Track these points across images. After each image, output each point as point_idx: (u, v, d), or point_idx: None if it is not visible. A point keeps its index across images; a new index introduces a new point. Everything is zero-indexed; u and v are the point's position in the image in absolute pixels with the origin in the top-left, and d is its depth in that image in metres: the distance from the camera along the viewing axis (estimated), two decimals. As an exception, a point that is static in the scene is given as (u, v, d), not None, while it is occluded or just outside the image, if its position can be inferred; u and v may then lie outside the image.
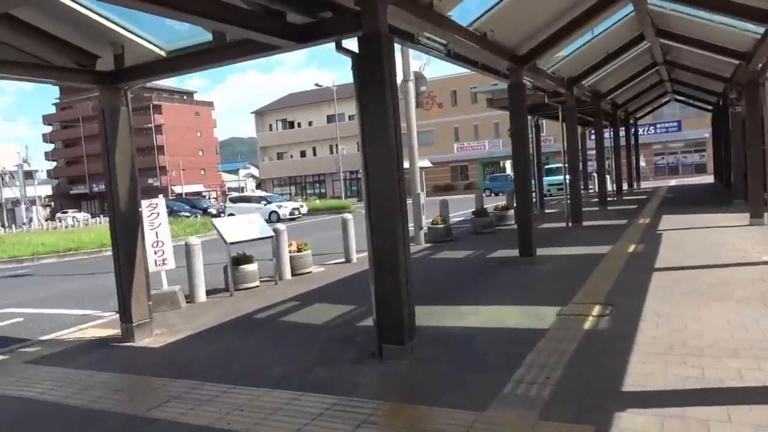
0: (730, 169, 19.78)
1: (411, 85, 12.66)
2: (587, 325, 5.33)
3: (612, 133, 21.41)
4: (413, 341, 4.95)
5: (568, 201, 13.32)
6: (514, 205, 16.18)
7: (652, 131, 46.61)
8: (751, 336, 4.58)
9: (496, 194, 41.40)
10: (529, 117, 17.32)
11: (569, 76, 12.46)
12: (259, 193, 42.62)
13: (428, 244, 12.80)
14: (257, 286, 9.23)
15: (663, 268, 7.70)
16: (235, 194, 39.30)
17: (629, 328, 5.06)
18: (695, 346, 4.45)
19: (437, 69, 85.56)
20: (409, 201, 13.84)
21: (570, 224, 13.16)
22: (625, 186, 26.30)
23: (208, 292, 9.00)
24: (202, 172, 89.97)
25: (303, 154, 72.10)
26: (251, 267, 9.20)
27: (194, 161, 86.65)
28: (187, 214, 35.62)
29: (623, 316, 5.49)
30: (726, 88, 18.05)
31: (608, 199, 20.15)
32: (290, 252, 10.01)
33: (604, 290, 6.67)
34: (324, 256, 12.65)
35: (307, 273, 10.15)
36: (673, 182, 34.73)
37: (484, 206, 15.45)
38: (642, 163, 39.14)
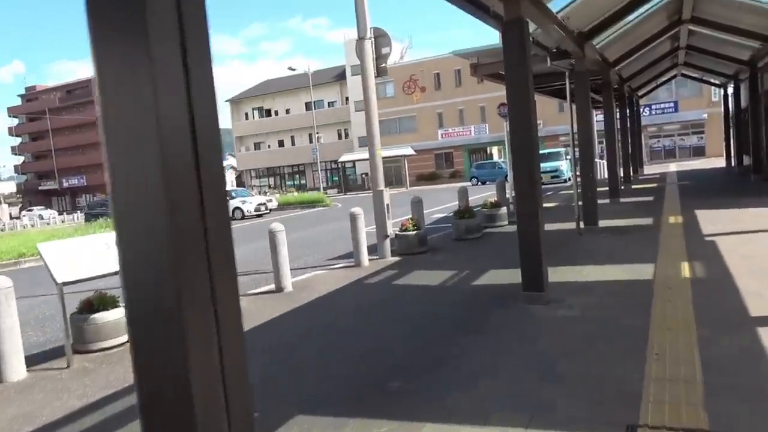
0: (759, 152, 16.79)
1: (368, 45, 9.39)
2: None
3: (618, 112, 18.27)
4: None
5: (579, 194, 10.18)
6: (510, 203, 12.94)
7: (647, 113, 43.72)
8: None
9: (483, 183, 38.34)
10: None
11: (580, 29, 9.27)
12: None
13: (395, 258, 9.61)
14: (122, 345, 5.99)
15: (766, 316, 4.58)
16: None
17: None
18: None
19: (419, 52, 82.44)
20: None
21: (582, 226, 10.04)
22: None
23: (40, 357, 5.78)
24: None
25: (281, 143, 68.98)
26: (113, 315, 5.94)
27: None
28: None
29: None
30: (756, 53, 15.01)
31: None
32: (183, 285, 6.76)
33: (693, 383, 3.53)
34: (257, 277, 9.46)
35: (212, 313, 6.93)
36: (673, 167, 31.84)
37: (470, 203, 12.30)
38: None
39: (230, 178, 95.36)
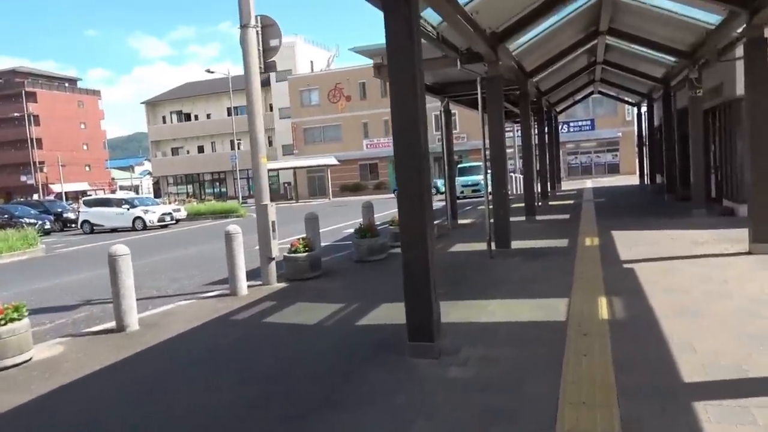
0: (672, 171, 16.71)
1: (253, 35, 7.99)
2: None
3: (536, 126, 17.76)
4: None
5: (490, 210, 9.16)
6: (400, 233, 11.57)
7: (566, 129, 44.74)
8: None
9: (407, 195, 37.43)
10: (438, 100, 13.20)
11: (493, 28, 8.30)
12: (122, 194, 36.21)
13: (281, 285, 8.20)
14: None
15: (712, 384, 3.56)
16: (92, 196, 32.58)
17: None
18: None
19: (345, 59, 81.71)
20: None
21: (493, 249, 9.02)
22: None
23: None
24: (87, 168, 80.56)
25: (201, 149, 65.92)
26: None
27: (77, 156, 77.20)
28: (32, 220, 28.60)
29: None
30: (670, 71, 14.85)
31: (535, 203, 16.45)
32: (-31, 329, 5.05)
33: None
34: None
35: (18, 365, 5.24)
36: (589, 183, 32.33)
37: (375, 220, 11.09)
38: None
39: (147, 184, 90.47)
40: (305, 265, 8.46)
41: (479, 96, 8.77)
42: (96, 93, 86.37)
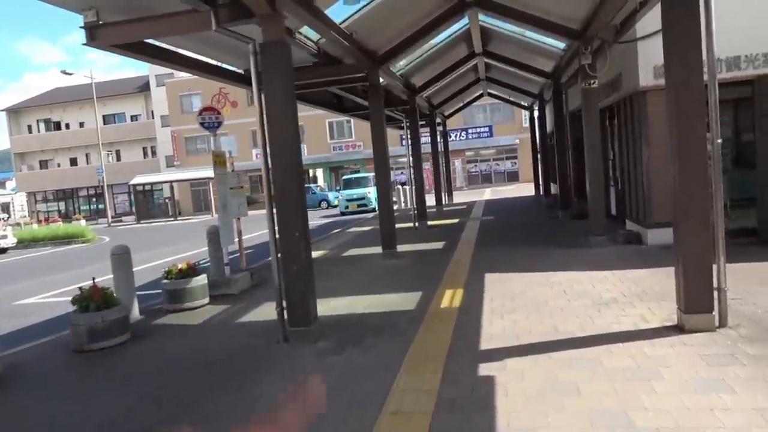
0: (566, 184, 14.12)
1: None
2: None
3: (410, 131, 14.62)
4: None
5: (280, 277, 5.65)
6: (225, 265, 7.30)
7: (464, 137, 42.88)
8: None
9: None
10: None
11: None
12: None
13: None
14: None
15: None
16: None
17: None
18: None
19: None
20: None
21: (287, 326, 5.50)
22: (432, 201, 20.11)
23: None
24: (-54, 185, 70.44)
25: (74, 162, 58.69)
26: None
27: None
28: None
29: None
30: (560, 62, 12.21)
31: (411, 225, 13.36)
32: None
33: None
34: None
35: None
36: (487, 193, 30.13)
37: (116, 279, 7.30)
38: (459, 171, 34.69)
39: (20, 201, 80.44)
40: None
41: (253, 71, 5.29)
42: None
